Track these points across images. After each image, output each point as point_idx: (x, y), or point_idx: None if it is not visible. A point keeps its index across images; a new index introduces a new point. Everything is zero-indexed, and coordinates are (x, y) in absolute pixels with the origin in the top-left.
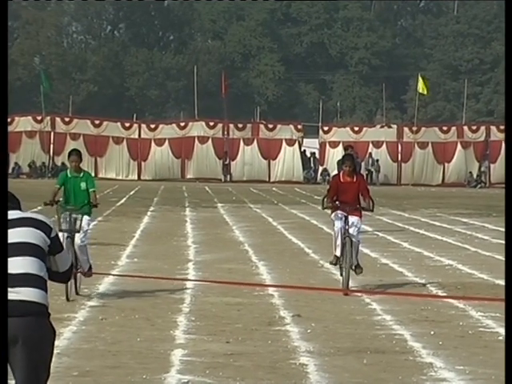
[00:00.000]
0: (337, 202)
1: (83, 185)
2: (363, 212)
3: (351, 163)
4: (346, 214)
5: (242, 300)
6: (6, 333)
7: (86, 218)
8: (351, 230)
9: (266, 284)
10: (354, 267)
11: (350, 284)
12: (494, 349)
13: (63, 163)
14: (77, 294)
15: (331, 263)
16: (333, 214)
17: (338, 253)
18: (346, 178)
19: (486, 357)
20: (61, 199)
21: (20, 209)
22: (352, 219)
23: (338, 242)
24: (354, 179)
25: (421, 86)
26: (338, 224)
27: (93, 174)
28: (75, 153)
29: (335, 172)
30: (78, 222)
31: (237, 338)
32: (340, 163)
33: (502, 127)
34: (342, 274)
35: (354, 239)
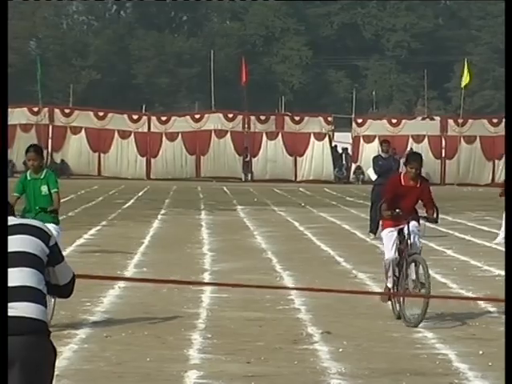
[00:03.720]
0: (397, 211)
1: (44, 188)
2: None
3: (418, 165)
4: (403, 227)
5: (263, 315)
6: (6, 332)
7: (50, 227)
8: (412, 239)
9: (292, 287)
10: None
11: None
12: None
13: (63, 160)
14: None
15: (383, 301)
16: (384, 231)
17: (389, 284)
18: (409, 182)
19: None
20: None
21: (14, 214)
22: (412, 224)
23: (390, 272)
24: (418, 184)
25: (466, 74)
26: (390, 253)
27: (95, 173)
28: (33, 149)
29: (370, 170)
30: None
31: (258, 358)
32: (376, 160)
33: None
34: (398, 301)
35: (416, 251)
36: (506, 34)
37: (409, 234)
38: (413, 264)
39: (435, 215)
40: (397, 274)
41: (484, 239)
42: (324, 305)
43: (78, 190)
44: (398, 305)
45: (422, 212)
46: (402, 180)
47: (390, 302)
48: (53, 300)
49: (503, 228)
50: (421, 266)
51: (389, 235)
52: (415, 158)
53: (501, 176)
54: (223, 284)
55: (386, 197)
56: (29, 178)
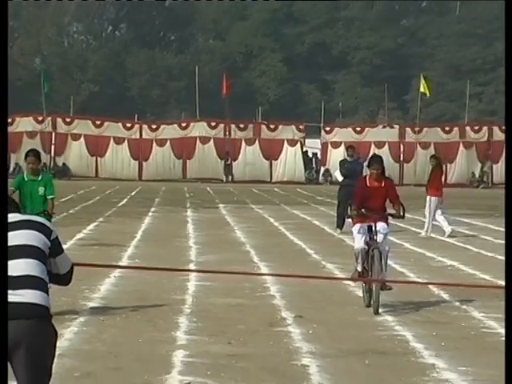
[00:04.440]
0: (363, 210)
1: (41, 190)
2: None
3: (380, 165)
4: (371, 224)
5: (243, 301)
6: (6, 333)
7: None
8: (378, 238)
9: (268, 273)
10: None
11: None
12: (496, 350)
13: (64, 164)
14: None
15: (351, 279)
16: (354, 227)
17: (359, 267)
18: (374, 183)
19: (489, 358)
20: None
21: (19, 212)
22: (379, 226)
23: (360, 259)
24: (382, 184)
25: (422, 87)
26: (360, 243)
27: (93, 174)
28: (32, 153)
29: (337, 173)
30: None
31: (238, 339)
32: (342, 164)
33: (505, 127)
34: (366, 292)
35: (381, 247)
36: (506, 34)
37: (376, 232)
38: (378, 255)
39: (401, 212)
40: (366, 265)
41: (437, 233)
42: (297, 292)
43: (77, 190)
44: (367, 294)
45: (389, 210)
46: (368, 182)
47: (361, 292)
48: None
49: (427, 222)
50: (380, 258)
51: (357, 229)
52: (376, 160)
53: (452, 178)
54: (207, 271)
55: (355, 199)
56: (26, 178)
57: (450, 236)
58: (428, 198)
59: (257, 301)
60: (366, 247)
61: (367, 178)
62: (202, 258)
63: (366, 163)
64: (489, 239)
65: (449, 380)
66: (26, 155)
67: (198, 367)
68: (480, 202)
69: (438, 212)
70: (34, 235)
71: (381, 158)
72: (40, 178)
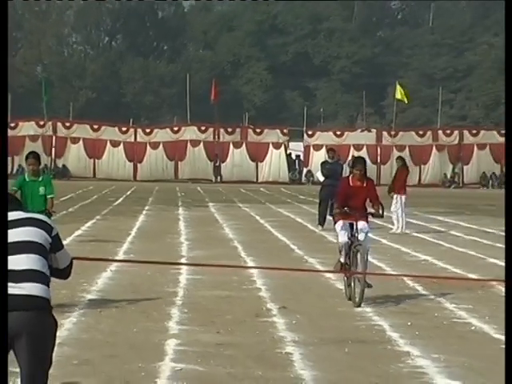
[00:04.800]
0: (345, 209)
1: (42, 189)
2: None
3: (362, 166)
4: (352, 222)
5: (231, 293)
6: (6, 332)
7: None
8: (360, 237)
9: (254, 266)
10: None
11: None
12: (466, 338)
13: (64, 165)
14: None
15: (334, 269)
16: (337, 224)
17: (342, 259)
18: (356, 182)
19: (460, 346)
20: None
21: (22, 210)
22: (360, 225)
23: (343, 252)
24: (365, 184)
25: (399, 93)
26: (343, 238)
27: (91, 175)
28: (32, 156)
29: (319, 173)
30: None
31: (226, 329)
32: (323, 165)
33: (474, 131)
34: (349, 285)
35: (363, 246)
36: (506, 34)
37: (357, 230)
38: (358, 254)
39: (381, 211)
40: (348, 260)
41: (412, 230)
42: (281, 285)
43: (76, 190)
44: (348, 288)
45: (369, 209)
46: (351, 181)
47: (341, 285)
48: None
49: (395, 219)
50: (361, 254)
51: (340, 226)
52: (359, 161)
53: (426, 178)
54: (198, 264)
55: (338, 197)
56: (27, 179)
57: (424, 232)
58: (396, 196)
59: (244, 293)
60: (349, 241)
61: (350, 178)
62: (193, 254)
63: (345, 164)
64: (460, 235)
65: (422, 366)
66: (27, 157)
67: (188, 355)
68: (451, 200)
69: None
70: (36, 232)
71: (364, 159)
72: (40, 178)
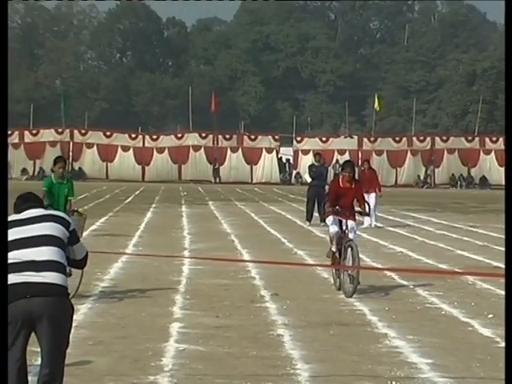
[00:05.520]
0: (336, 207)
1: (66, 191)
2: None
3: (351, 169)
4: (342, 219)
5: (229, 281)
6: (6, 330)
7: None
8: (351, 235)
9: (250, 260)
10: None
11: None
12: (438, 322)
13: (80, 168)
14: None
15: (327, 256)
16: (328, 218)
17: (334, 248)
18: (346, 184)
19: (432, 328)
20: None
21: (43, 207)
22: (350, 224)
23: (334, 241)
24: (353, 185)
25: (377, 104)
26: (335, 228)
27: (104, 177)
28: (62, 159)
29: (307, 175)
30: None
31: (225, 313)
32: (310, 168)
33: (445, 138)
34: (339, 277)
35: (353, 244)
36: (506, 34)
37: (347, 228)
38: (349, 249)
39: (367, 210)
40: (338, 253)
41: (390, 226)
42: (273, 274)
43: (91, 190)
44: (338, 280)
45: (357, 208)
46: (341, 183)
47: (326, 274)
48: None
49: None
50: (354, 250)
51: (331, 219)
52: (349, 165)
53: (401, 179)
54: (199, 257)
55: (330, 197)
56: (54, 181)
57: (399, 227)
58: (367, 195)
59: (240, 281)
60: (340, 231)
61: (340, 179)
62: (195, 246)
63: (330, 167)
64: (431, 230)
65: (398, 347)
66: (56, 161)
67: (191, 336)
68: (424, 199)
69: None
70: (55, 227)
71: (353, 163)
72: (66, 181)
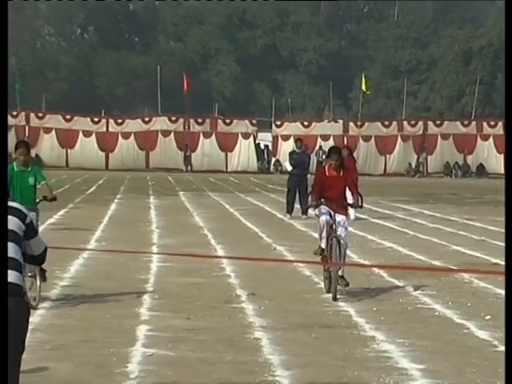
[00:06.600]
0: (322, 200)
1: (31, 180)
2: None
3: (338, 157)
4: (331, 212)
5: (201, 280)
6: (7, 331)
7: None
8: (339, 231)
9: (225, 256)
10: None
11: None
12: (430, 323)
13: (37, 155)
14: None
15: (315, 253)
16: (316, 209)
17: (323, 244)
18: (332, 172)
19: (423, 330)
20: None
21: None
22: (339, 218)
23: (324, 234)
24: (341, 173)
25: (364, 86)
26: (324, 217)
27: (64, 165)
28: (24, 145)
29: (287, 163)
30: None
31: (197, 315)
32: (291, 155)
33: (438, 122)
34: (326, 278)
35: (341, 240)
36: (506, 34)
37: (335, 222)
38: (336, 243)
39: (359, 202)
40: (328, 246)
41: (378, 219)
42: (250, 272)
43: (49, 179)
44: (327, 281)
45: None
46: (327, 172)
47: (309, 272)
48: (38, 283)
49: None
50: (341, 245)
51: (321, 209)
52: (335, 151)
53: (391, 168)
54: (169, 253)
55: (315, 188)
56: (16, 169)
57: (389, 220)
58: None
59: (214, 280)
60: (331, 220)
61: (326, 167)
62: (164, 241)
63: (312, 154)
64: (424, 223)
65: (387, 351)
66: (17, 147)
67: (159, 340)
68: (416, 189)
69: None
70: (11, 220)
71: (339, 149)
72: (30, 168)
